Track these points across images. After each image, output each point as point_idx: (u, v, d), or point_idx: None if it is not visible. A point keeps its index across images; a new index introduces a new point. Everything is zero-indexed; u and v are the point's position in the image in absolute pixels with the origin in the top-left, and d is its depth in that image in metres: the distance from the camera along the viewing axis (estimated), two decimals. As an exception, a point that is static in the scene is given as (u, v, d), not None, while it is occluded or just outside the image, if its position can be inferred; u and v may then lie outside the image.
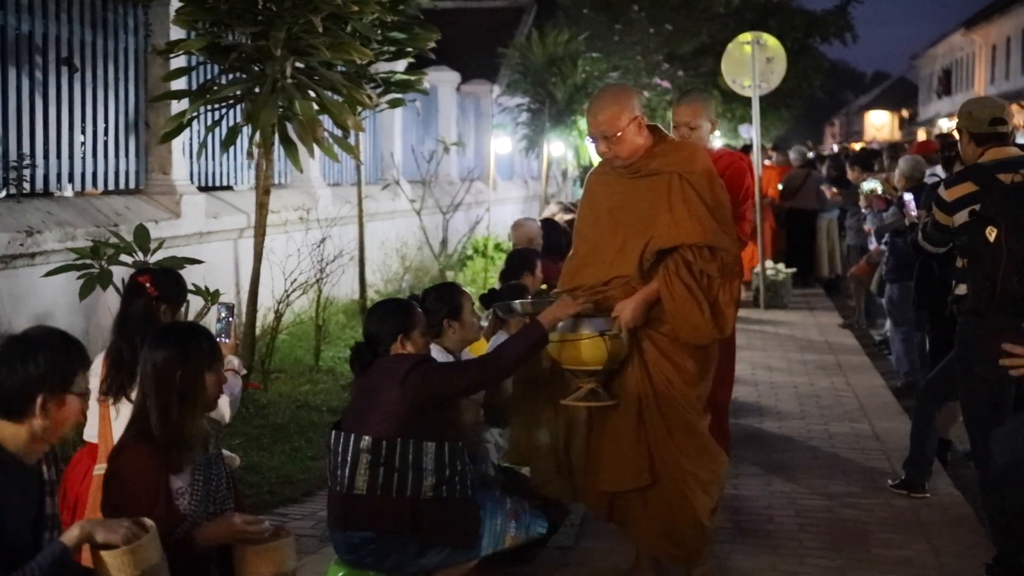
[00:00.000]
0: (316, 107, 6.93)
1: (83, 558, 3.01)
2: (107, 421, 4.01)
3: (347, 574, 3.98)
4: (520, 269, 6.35)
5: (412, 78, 8.73)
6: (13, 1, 6.73)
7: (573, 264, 4.59)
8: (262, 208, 7.37)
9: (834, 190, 13.84)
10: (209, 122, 7.73)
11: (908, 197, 7.08)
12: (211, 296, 6.24)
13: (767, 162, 16.13)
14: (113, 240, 6.27)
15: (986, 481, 4.83)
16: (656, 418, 4.35)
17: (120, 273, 5.86)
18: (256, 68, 6.93)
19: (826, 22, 27.67)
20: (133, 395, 3.70)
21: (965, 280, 4.79)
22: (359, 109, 7.46)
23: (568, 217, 8.63)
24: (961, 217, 4.74)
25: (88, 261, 6.01)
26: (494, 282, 8.44)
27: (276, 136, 6.97)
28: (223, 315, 4.26)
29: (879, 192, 9.24)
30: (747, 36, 13.32)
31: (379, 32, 7.69)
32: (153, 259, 6.11)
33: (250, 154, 7.61)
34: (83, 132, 7.45)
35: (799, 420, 7.59)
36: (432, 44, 8.46)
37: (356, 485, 3.87)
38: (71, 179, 7.40)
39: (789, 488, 6.05)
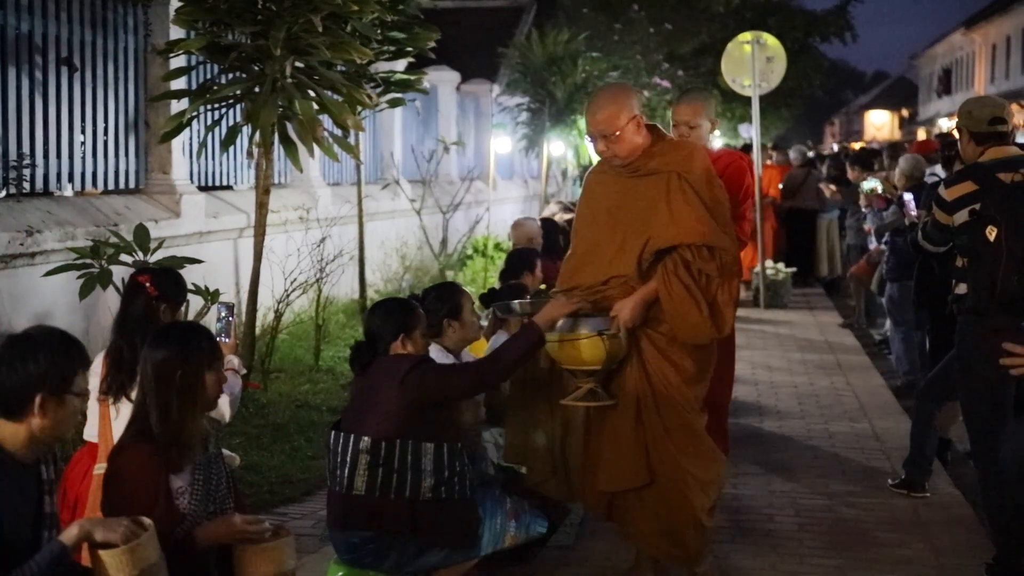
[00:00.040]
0: (316, 107, 6.93)
1: (82, 557, 3.01)
2: (107, 420, 4.01)
3: (347, 573, 3.98)
4: (520, 269, 6.36)
5: (412, 78, 8.73)
6: (13, 1, 6.73)
7: (571, 264, 4.58)
8: (262, 208, 7.37)
9: (832, 187, 13.84)
10: (209, 122, 7.73)
11: (908, 196, 7.08)
12: (211, 296, 6.24)
13: (768, 162, 16.12)
14: (113, 240, 6.27)
15: (986, 481, 4.84)
16: (654, 418, 4.34)
17: (120, 273, 5.86)
18: (256, 68, 6.93)
19: (826, 21, 27.68)
20: (133, 395, 3.70)
21: (965, 279, 4.78)
22: (359, 109, 7.46)
23: (568, 217, 8.63)
24: (961, 216, 4.73)
25: (88, 261, 6.02)
26: (494, 282, 8.44)
27: (276, 136, 6.97)
28: (223, 314, 4.26)
29: (879, 191, 9.23)
30: (747, 35, 13.32)
31: (379, 32, 7.69)
32: (153, 259, 6.11)
33: (250, 154, 7.61)
34: (83, 132, 7.45)
35: (799, 420, 7.59)
36: (432, 44, 8.46)
37: (355, 485, 3.87)
38: (71, 179, 7.40)
39: (789, 488, 6.05)
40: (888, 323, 9.42)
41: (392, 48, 8.33)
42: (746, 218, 5.65)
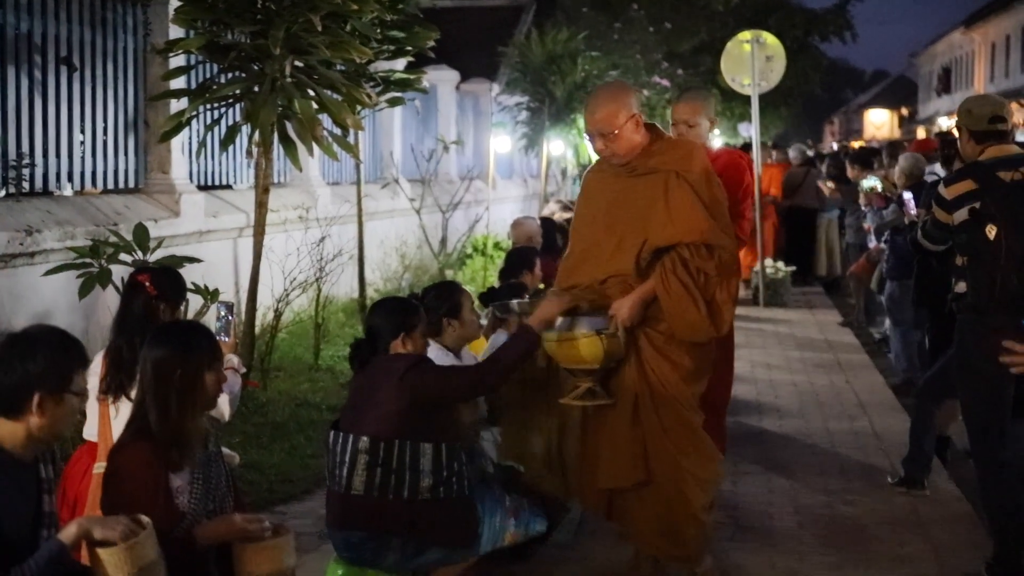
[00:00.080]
0: (315, 106, 6.93)
1: (81, 556, 3.02)
2: (107, 419, 4.01)
3: (346, 572, 3.99)
4: (519, 267, 6.36)
5: (411, 77, 8.73)
6: (13, 0, 6.73)
7: (570, 262, 4.58)
8: (261, 207, 7.37)
9: (832, 186, 13.83)
10: (208, 121, 7.72)
11: (908, 195, 7.08)
12: (210, 295, 6.24)
13: (768, 160, 16.12)
14: (112, 239, 6.28)
15: (985, 479, 4.84)
16: (652, 416, 4.34)
17: (120, 272, 5.87)
18: (255, 67, 6.93)
19: (826, 20, 27.70)
20: (133, 394, 3.70)
21: (965, 278, 4.78)
22: (358, 108, 7.46)
23: (567, 215, 8.63)
24: (961, 215, 4.73)
25: (88, 260, 6.02)
26: (493, 280, 8.44)
27: (275, 135, 6.97)
28: (222, 314, 4.26)
29: (879, 190, 9.23)
30: (746, 34, 13.31)
31: (378, 31, 7.69)
32: (152, 258, 6.12)
33: (249, 153, 7.61)
34: (82, 131, 7.45)
35: (798, 418, 7.59)
36: (431, 43, 8.46)
37: (354, 485, 3.88)
38: (70, 178, 7.40)
39: (788, 486, 6.05)
40: (888, 321, 9.42)
41: (392, 47, 8.33)
42: (745, 217, 5.65)
